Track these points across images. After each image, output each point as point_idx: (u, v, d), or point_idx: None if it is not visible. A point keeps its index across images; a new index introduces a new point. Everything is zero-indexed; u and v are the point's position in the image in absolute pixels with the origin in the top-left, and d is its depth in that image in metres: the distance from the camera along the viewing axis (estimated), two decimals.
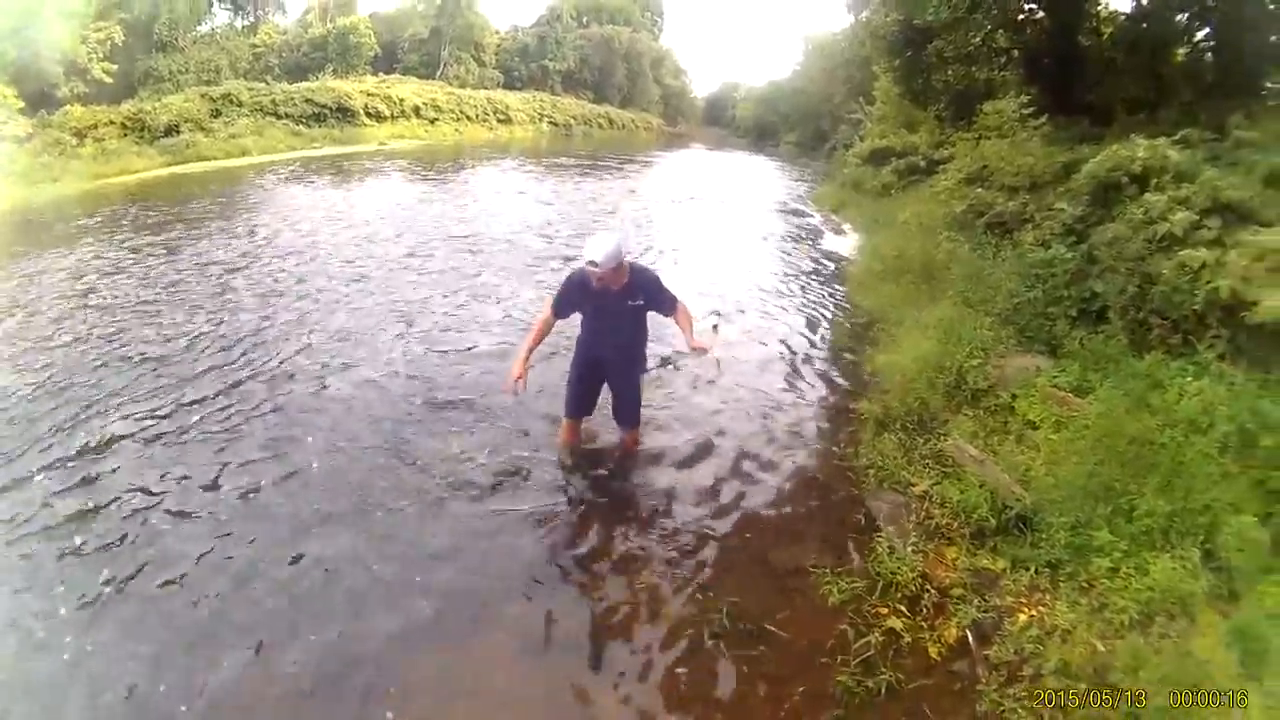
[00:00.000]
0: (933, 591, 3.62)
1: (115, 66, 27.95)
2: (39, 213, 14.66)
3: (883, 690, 3.07)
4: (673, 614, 3.64)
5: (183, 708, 3.03)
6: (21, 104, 21.49)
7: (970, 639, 3.34)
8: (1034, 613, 3.35)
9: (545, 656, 3.40)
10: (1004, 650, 3.20)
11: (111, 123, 22.77)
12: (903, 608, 3.55)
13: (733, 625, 3.50)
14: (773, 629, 3.48)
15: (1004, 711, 2.94)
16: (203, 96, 26.62)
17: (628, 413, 4.97)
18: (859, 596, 3.64)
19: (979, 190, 8.98)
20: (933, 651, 3.31)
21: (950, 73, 12.75)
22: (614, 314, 4.62)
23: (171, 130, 23.75)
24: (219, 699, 3.08)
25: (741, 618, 3.54)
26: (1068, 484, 3.91)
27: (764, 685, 3.20)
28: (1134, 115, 9.03)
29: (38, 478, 4.66)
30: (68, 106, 23.48)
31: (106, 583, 3.73)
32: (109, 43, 28.05)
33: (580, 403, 5.01)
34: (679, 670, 3.31)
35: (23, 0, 23.08)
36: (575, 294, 4.57)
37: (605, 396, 4.98)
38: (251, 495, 4.51)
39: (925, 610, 3.52)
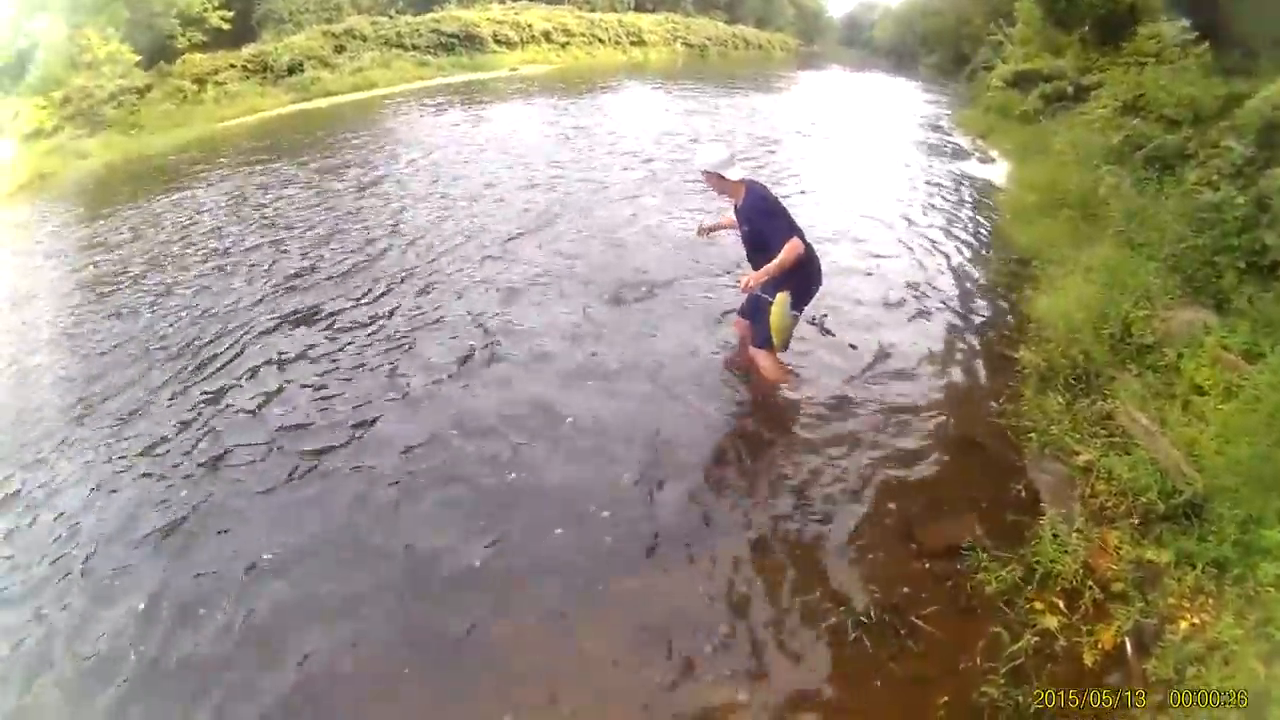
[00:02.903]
0: (1094, 587, 3.40)
1: (232, 13, 28.58)
2: (173, 154, 15.87)
3: (1032, 708, 2.91)
4: (807, 598, 3.57)
5: None
6: (138, 58, 22.32)
7: (1128, 647, 3.17)
8: (1196, 620, 3.14)
9: (663, 640, 3.37)
10: (1163, 666, 2.99)
11: (232, 66, 23.82)
12: (1060, 603, 3.37)
13: (877, 616, 3.37)
14: (919, 623, 3.35)
15: None
16: (325, 34, 27.35)
17: (754, 332, 5.10)
18: (1015, 587, 3.46)
19: (1135, 121, 8.20)
20: (1087, 659, 3.15)
21: None
22: (741, 229, 4.90)
23: (295, 69, 24.49)
24: None
25: (886, 608, 3.42)
26: (1240, 468, 3.56)
27: (904, 690, 3.09)
28: None
29: None
30: (185, 56, 24.45)
31: None
32: None
33: (745, 304, 5.31)
34: (810, 667, 3.25)
35: None
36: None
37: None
38: None
39: (1084, 609, 3.33)
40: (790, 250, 4.46)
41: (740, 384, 5.34)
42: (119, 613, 3.76)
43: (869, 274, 7.32)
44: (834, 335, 5.01)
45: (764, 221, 4.68)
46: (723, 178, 4.67)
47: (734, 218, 4.99)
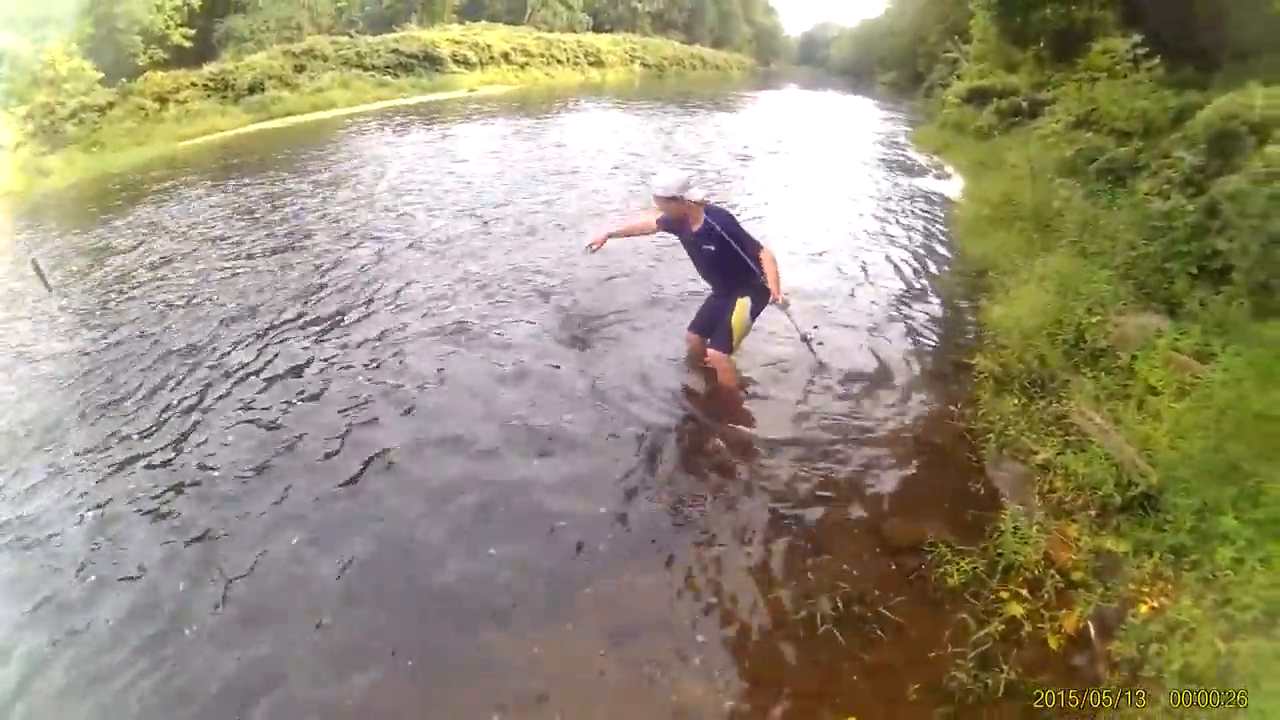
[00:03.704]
0: (1056, 576, 3.49)
1: (194, 31, 28.41)
2: (135, 172, 15.71)
3: (1001, 688, 2.99)
4: (779, 595, 3.63)
5: None
6: (100, 75, 22.11)
7: (1091, 631, 3.26)
8: (1156, 604, 3.23)
9: (646, 638, 3.41)
10: (1126, 646, 3.09)
11: (194, 85, 23.56)
12: (1024, 592, 3.45)
13: (845, 609, 3.43)
14: (887, 614, 3.42)
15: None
16: (285, 53, 27.23)
17: (717, 333, 5.18)
18: (979, 578, 3.55)
19: (1088, 135, 8.51)
20: (1052, 643, 3.23)
21: (1049, 11, 12.17)
22: (694, 253, 5.17)
23: (255, 88, 24.36)
24: None
25: (855, 601, 3.48)
26: (1193, 461, 3.70)
27: (875, 679, 3.15)
28: (1239, 61, 8.36)
29: None
30: (148, 73, 24.15)
31: None
32: (186, 8, 28.47)
33: (697, 318, 5.59)
34: (784, 660, 3.30)
35: None
36: (671, 219, 5.04)
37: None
38: None
39: (1047, 596, 3.42)
40: (771, 259, 4.85)
41: (709, 393, 5.40)
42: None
43: (829, 287, 7.48)
44: (816, 354, 5.09)
45: (734, 237, 4.84)
46: (683, 201, 4.83)
47: (655, 226, 5.24)
